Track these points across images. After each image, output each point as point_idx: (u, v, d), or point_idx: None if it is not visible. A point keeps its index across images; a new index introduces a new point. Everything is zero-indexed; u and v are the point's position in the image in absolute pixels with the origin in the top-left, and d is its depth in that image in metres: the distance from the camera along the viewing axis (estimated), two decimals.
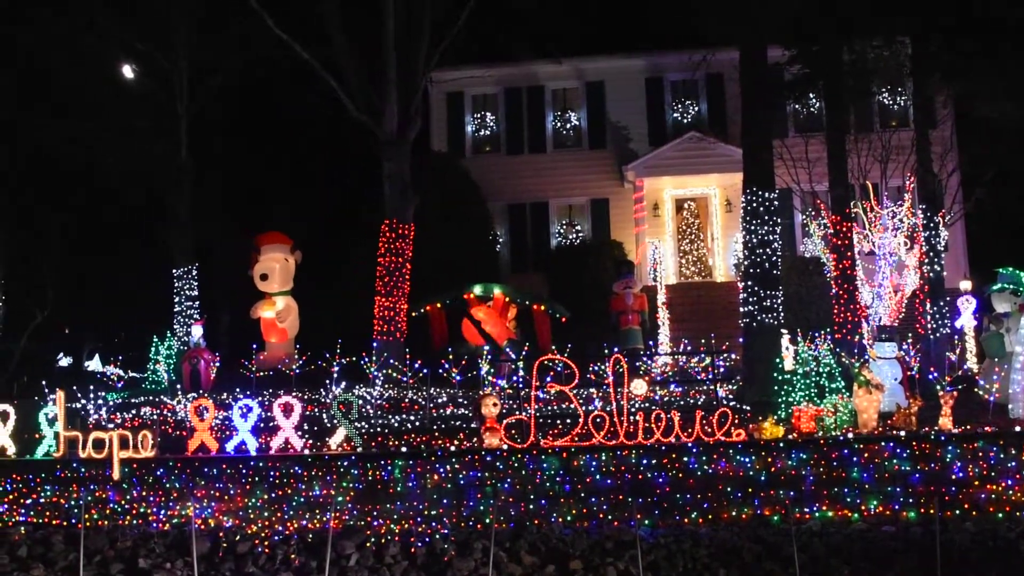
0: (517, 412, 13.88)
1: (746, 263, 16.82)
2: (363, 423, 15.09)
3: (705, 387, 16.90)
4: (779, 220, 16.94)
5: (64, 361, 35.02)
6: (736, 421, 12.37)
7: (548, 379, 13.96)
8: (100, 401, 16.91)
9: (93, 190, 26.19)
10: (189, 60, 25.05)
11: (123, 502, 12.52)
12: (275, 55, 22.54)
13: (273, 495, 12.19)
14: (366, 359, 18.27)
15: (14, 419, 13.74)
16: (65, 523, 12.47)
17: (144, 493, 12.50)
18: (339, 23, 20.71)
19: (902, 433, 12.00)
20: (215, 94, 26.33)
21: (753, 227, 16.60)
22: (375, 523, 11.81)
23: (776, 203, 16.86)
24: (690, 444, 11.91)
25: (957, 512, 11.24)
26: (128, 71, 25.01)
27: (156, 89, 25.35)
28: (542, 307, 21.87)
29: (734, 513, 11.53)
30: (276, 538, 11.54)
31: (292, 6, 21.13)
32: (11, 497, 12.85)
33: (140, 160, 25.13)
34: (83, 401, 16.40)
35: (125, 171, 25.16)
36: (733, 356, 17.85)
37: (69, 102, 23.30)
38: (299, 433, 13.11)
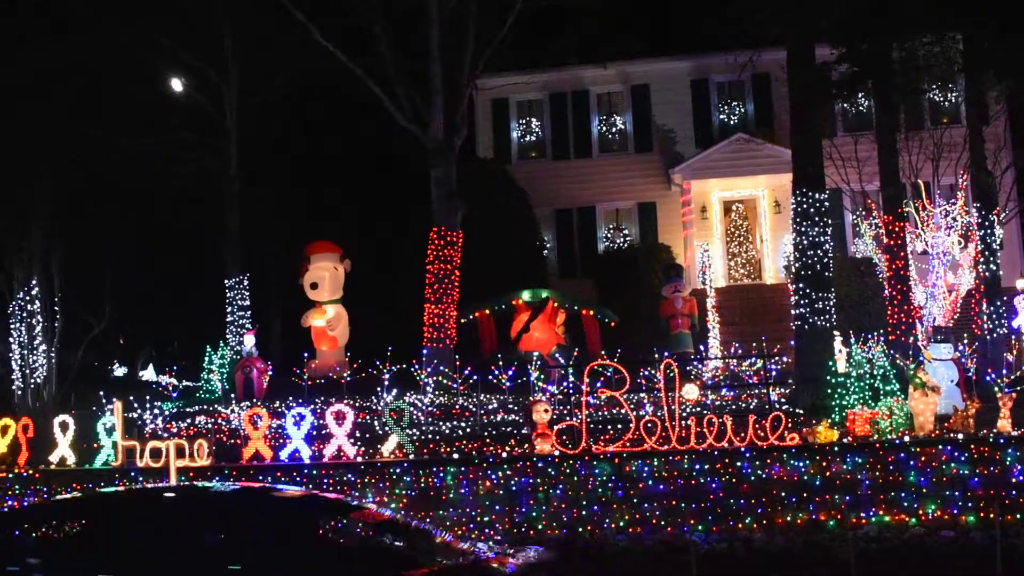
0: (568, 418, 13.87)
1: (797, 265, 16.66)
2: (414, 430, 15.15)
3: (757, 391, 16.77)
4: (830, 221, 16.76)
5: (119, 371, 35.62)
6: (789, 425, 12.27)
7: (598, 384, 13.95)
8: (156, 411, 17.17)
9: (147, 203, 26.61)
10: (239, 74, 25.37)
11: None
12: (322, 67, 22.73)
13: None
14: (416, 366, 18.35)
15: (73, 429, 14.04)
16: None
17: None
18: (384, 33, 20.84)
19: (960, 436, 11.83)
20: (264, 107, 26.64)
21: (804, 228, 16.44)
22: None
23: (826, 204, 16.69)
24: (743, 449, 11.83)
25: (1018, 516, 11.06)
26: (178, 85, 25.41)
27: (206, 103, 25.74)
28: (591, 312, 21.83)
29: (789, 518, 11.43)
30: None
31: (338, 18, 21.30)
32: None
33: (192, 173, 25.50)
34: (139, 411, 16.66)
35: (177, 184, 25.54)
36: (785, 359, 17.68)
37: (122, 117, 23.68)
38: (351, 440, 13.22)
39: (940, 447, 11.54)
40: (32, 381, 20.04)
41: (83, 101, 23.06)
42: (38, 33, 22.21)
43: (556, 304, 21.44)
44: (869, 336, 15.52)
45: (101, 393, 15.73)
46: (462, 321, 21.08)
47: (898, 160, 19.03)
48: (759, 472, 11.68)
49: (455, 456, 12.88)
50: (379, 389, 16.86)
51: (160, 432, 16.46)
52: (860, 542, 10.63)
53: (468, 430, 15.62)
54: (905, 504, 11.33)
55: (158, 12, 23.90)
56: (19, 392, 20.16)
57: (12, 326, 20.30)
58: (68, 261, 21.44)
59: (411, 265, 22.42)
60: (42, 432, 14.43)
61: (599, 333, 21.64)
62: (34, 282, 20.29)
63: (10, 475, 13.64)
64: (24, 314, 20.16)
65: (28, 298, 20.18)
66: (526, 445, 13.37)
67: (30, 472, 13.67)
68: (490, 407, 16.73)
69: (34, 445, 14.20)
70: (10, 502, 13.35)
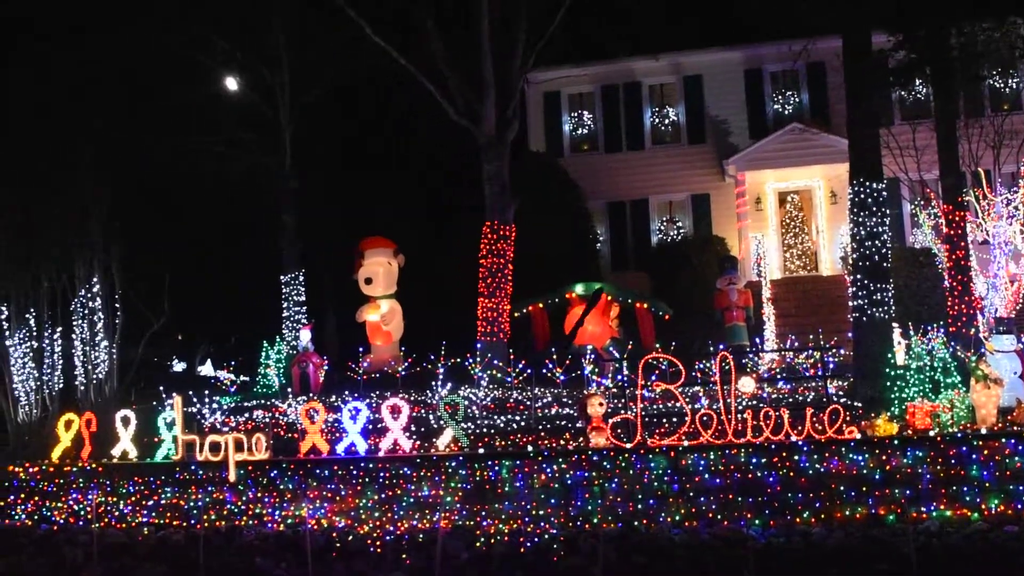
0: (623, 411, 13.83)
1: (854, 256, 16.42)
2: (469, 424, 15.21)
3: (814, 384, 16.57)
4: (888, 211, 16.49)
5: (178, 366, 36.19)
6: (847, 418, 12.13)
7: (653, 378, 13.88)
8: (214, 405, 17.42)
9: (203, 201, 26.97)
10: (292, 72, 25.60)
11: (239, 503, 12.88)
12: (374, 63, 22.85)
13: (383, 496, 12.39)
14: (470, 360, 18.40)
15: (134, 424, 14.31)
16: (185, 524, 12.90)
17: (259, 494, 12.84)
18: (435, 28, 20.90)
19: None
20: (316, 103, 26.85)
21: (861, 219, 16.19)
22: (484, 523, 11.90)
23: (884, 193, 16.41)
24: (800, 442, 11.71)
25: None
26: (232, 83, 25.72)
27: (260, 101, 26.01)
28: (645, 305, 21.71)
29: (847, 513, 11.28)
30: (387, 538, 11.72)
31: (389, 14, 21.39)
32: (134, 499, 13.36)
33: (247, 171, 25.79)
34: (198, 405, 16.92)
35: (233, 182, 25.85)
36: (842, 351, 17.45)
37: (178, 117, 24.01)
38: (407, 434, 13.30)
39: (1003, 440, 11.31)
40: (94, 377, 20.40)
41: (139, 102, 23.41)
42: (95, 32, 22.53)
43: (610, 297, 21.36)
44: (929, 328, 15.26)
45: (161, 388, 15.99)
46: (515, 315, 21.09)
47: (958, 148, 18.67)
48: (817, 466, 11.54)
49: (510, 450, 12.90)
50: (434, 383, 16.94)
51: (219, 426, 16.72)
52: (921, 537, 10.46)
53: (522, 424, 15.64)
54: (967, 498, 11.13)
55: (213, 13, 24.16)
56: (82, 388, 20.54)
57: (75, 323, 20.68)
58: (128, 259, 21.77)
59: (464, 259, 22.41)
60: (104, 427, 14.73)
61: (653, 326, 21.53)
62: (95, 280, 20.64)
63: (74, 469, 13.95)
64: (86, 311, 20.53)
65: (90, 296, 20.54)
66: (581, 439, 13.35)
67: (93, 466, 13.97)
68: (544, 401, 16.74)
69: (97, 439, 14.50)
70: (74, 495, 13.67)
